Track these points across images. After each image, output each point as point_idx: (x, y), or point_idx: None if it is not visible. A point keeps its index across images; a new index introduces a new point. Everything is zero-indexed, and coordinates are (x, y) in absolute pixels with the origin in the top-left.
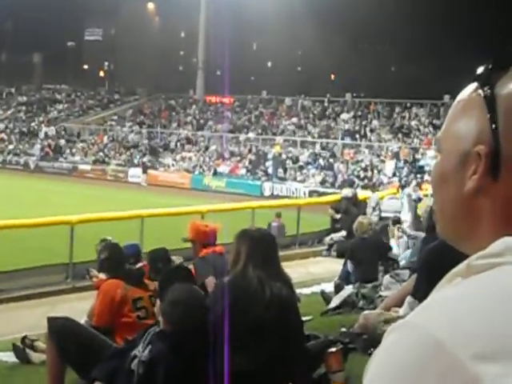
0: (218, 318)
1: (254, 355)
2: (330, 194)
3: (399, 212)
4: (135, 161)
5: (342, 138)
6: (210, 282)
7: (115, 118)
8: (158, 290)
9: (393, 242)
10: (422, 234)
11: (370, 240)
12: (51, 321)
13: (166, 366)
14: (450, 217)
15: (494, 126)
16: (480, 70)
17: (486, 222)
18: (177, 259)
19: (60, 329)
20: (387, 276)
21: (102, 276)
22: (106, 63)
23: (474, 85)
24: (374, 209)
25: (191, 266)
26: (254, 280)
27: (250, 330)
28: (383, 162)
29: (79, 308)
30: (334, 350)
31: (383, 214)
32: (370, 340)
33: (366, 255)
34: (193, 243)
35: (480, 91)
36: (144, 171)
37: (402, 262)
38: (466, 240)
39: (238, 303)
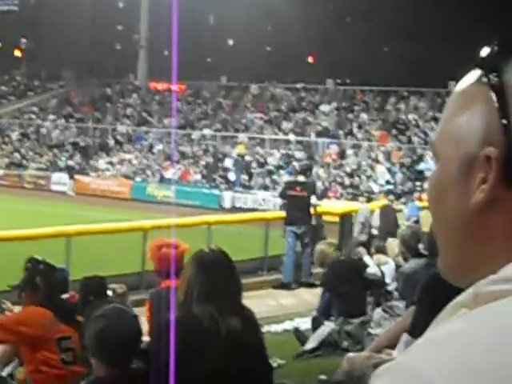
0: (162, 365)
1: None
2: None
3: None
4: (60, 164)
5: (322, 136)
6: None
7: (35, 109)
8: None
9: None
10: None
11: (345, 263)
12: None
13: None
14: (452, 238)
15: (504, 121)
16: (484, 53)
17: (498, 242)
18: (119, 288)
19: None
20: (378, 310)
21: (18, 310)
22: (24, 40)
23: (476, 72)
24: (363, 225)
25: None
26: (206, 317)
27: (202, 381)
28: (373, 166)
29: None
30: None
31: (374, 232)
32: None
33: (347, 283)
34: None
35: (485, 79)
36: (71, 177)
37: (395, 294)
38: (473, 267)
39: (188, 347)
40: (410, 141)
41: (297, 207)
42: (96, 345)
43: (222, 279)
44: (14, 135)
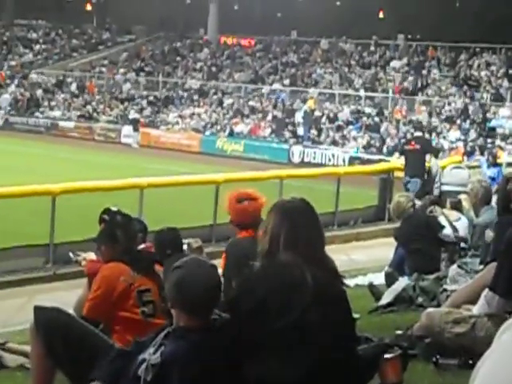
0: (248, 314)
1: (293, 363)
2: (376, 161)
3: (465, 185)
4: (130, 117)
5: (392, 92)
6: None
7: (105, 62)
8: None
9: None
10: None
11: (421, 219)
12: (39, 311)
13: (182, 370)
14: None
15: None
16: None
17: None
18: (194, 242)
19: (49, 321)
20: (454, 266)
21: (92, 256)
22: None
23: None
24: (434, 180)
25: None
26: (296, 268)
27: (288, 331)
28: (444, 122)
29: (62, 300)
30: (391, 356)
31: (446, 188)
32: (435, 345)
33: (421, 239)
34: (230, 222)
35: None
36: (136, 129)
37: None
38: None
39: (275, 297)
40: (481, 97)
41: (411, 161)
42: (176, 295)
43: (307, 227)
44: (88, 88)
